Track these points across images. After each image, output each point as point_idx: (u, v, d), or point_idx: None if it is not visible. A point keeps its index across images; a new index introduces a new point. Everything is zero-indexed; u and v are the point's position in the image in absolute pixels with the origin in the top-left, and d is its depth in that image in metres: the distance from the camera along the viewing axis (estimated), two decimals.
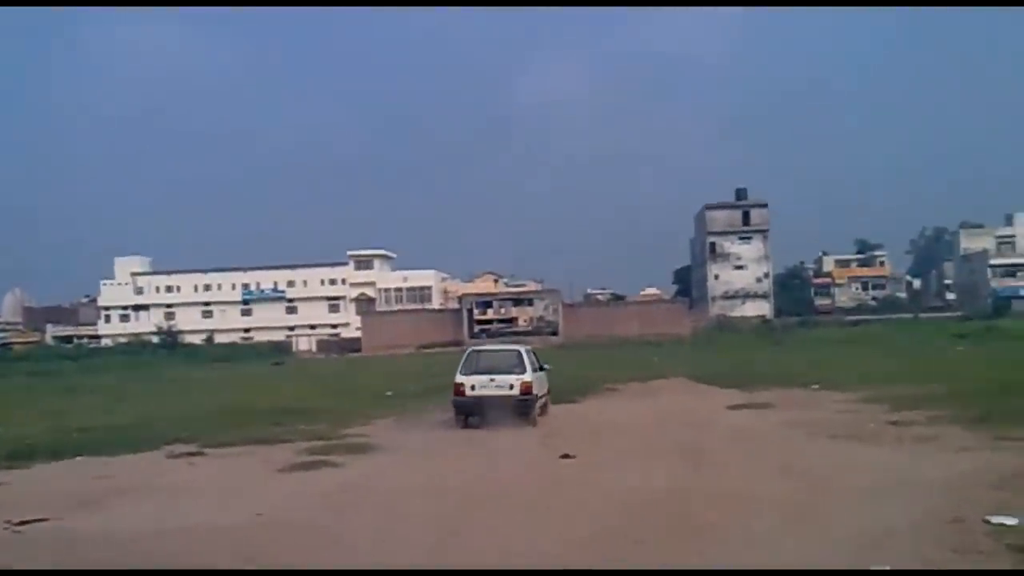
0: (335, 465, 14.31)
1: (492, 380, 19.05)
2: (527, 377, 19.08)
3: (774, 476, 11.80)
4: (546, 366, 21.49)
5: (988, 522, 8.58)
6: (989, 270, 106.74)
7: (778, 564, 7.57)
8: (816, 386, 24.91)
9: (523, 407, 18.92)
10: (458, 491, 11.51)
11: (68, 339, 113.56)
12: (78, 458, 16.36)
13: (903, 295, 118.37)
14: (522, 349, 20.73)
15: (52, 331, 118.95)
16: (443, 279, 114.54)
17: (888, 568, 7.20)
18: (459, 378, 19.35)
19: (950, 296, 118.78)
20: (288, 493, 11.97)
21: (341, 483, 12.53)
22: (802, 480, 11.36)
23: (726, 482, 11.46)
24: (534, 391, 19.15)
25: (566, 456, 14.06)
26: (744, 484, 11.22)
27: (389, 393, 28.52)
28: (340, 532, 9.47)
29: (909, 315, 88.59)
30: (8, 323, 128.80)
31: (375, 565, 7.90)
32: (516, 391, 18.88)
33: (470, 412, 19.11)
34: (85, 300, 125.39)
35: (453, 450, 15.68)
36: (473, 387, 19.04)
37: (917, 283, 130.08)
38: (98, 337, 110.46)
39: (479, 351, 21.58)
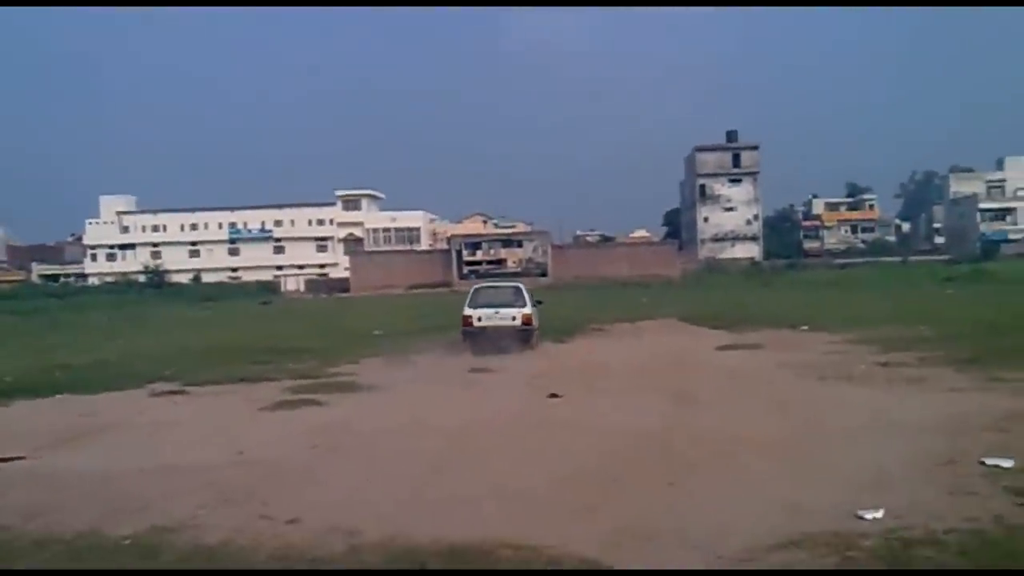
0: (320, 404, 14.13)
1: (497, 312, 21.81)
2: (527, 310, 21.90)
3: (763, 416, 11.64)
4: (539, 301, 23.64)
5: (983, 464, 8.41)
6: (978, 214, 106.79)
7: (765, 504, 7.42)
8: (805, 327, 24.80)
9: (525, 335, 21.63)
10: (442, 430, 11.34)
11: (54, 278, 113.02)
12: (59, 396, 16.17)
13: (892, 239, 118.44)
14: (521, 286, 23.85)
15: (38, 269, 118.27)
16: (432, 220, 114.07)
17: (881, 515, 7.02)
18: (467, 311, 22.05)
19: (939, 240, 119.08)
20: (270, 432, 11.77)
21: (325, 422, 12.34)
22: (792, 420, 11.21)
23: (714, 422, 11.29)
24: (533, 322, 21.89)
25: (553, 396, 13.90)
26: (732, 424, 11.05)
27: (377, 332, 28.33)
28: (320, 471, 9.29)
29: (898, 258, 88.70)
30: None
31: (357, 508, 7.71)
32: (518, 322, 21.68)
33: (478, 340, 21.36)
34: (71, 239, 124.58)
35: (440, 390, 15.50)
36: (480, 319, 21.74)
37: (906, 227, 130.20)
38: (84, 276, 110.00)
39: (483, 288, 24.29)
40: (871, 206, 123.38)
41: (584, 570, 6.16)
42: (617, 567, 6.21)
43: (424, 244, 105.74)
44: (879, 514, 6.99)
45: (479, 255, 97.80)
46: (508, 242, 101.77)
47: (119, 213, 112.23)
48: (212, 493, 8.36)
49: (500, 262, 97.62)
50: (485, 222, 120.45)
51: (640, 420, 11.54)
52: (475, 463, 9.38)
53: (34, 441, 11.48)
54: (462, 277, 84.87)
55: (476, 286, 25.02)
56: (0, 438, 11.79)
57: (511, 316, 21.73)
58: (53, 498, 8.42)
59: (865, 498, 7.38)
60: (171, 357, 22.16)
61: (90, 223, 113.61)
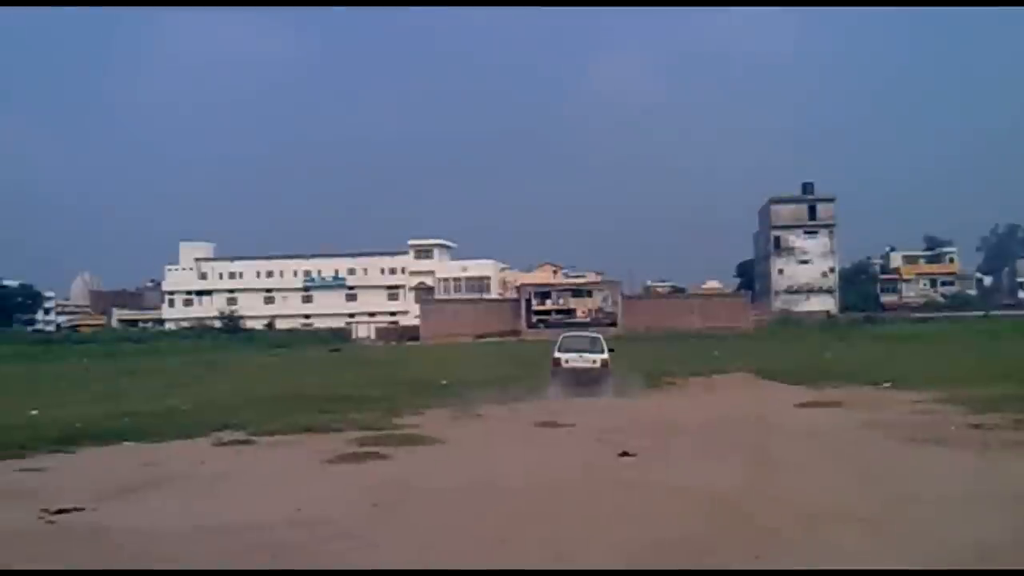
0: (383, 457, 13.74)
1: (580, 356, 26.05)
2: (604, 355, 26.03)
3: (849, 482, 10.94)
4: (612, 348, 27.06)
5: None
6: None
7: None
8: (887, 384, 23.84)
9: (602, 375, 25.48)
10: (508, 490, 10.86)
11: (133, 323, 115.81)
12: (124, 443, 16.07)
13: (973, 292, 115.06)
14: (599, 336, 28.62)
15: (118, 315, 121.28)
16: (502, 269, 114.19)
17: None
18: (556, 354, 26.27)
19: (1023, 294, 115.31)
20: (331, 487, 11.39)
21: (387, 478, 11.93)
22: (882, 487, 10.47)
23: (797, 487, 10.63)
24: (609, 366, 25.87)
25: (625, 454, 13.34)
26: (817, 490, 10.39)
27: (444, 382, 27.99)
28: (378, 533, 8.85)
29: (980, 313, 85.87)
30: (77, 306, 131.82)
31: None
32: (597, 364, 25.72)
33: (565, 378, 25.15)
34: (150, 284, 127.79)
35: (506, 445, 15.06)
36: (567, 361, 25.94)
37: (988, 280, 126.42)
38: (162, 321, 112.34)
39: (569, 336, 29.51)
40: (951, 259, 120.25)
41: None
42: None
43: (494, 293, 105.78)
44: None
45: (548, 304, 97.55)
46: (578, 292, 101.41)
47: (197, 260, 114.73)
48: (264, 556, 7.98)
49: (570, 311, 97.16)
50: (555, 271, 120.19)
51: (718, 483, 10.92)
52: (542, 530, 8.85)
53: (94, 491, 11.28)
54: (531, 326, 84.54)
55: (564, 335, 30.15)
56: (62, 486, 11.64)
57: (592, 360, 25.80)
58: (104, 558, 8.12)
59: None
60: (239, 405, 22.06)
61: (169, 269, 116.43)
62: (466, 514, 9.65)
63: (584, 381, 24.68)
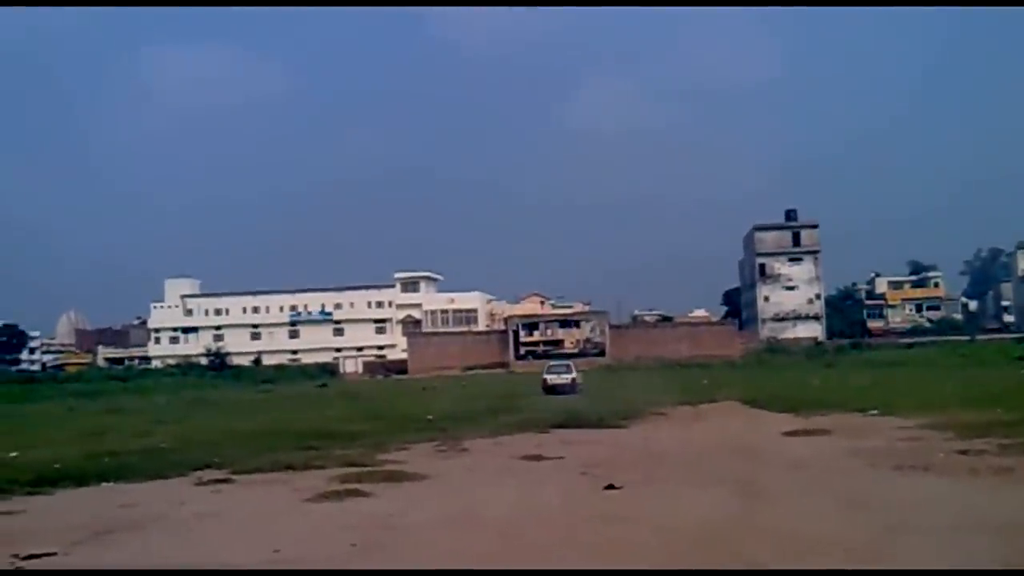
0: (366, 495, 13.52)
1: (559, 376, 42.53)
2: (573, 375, 43.03)
3: (837, 512, 10.79)
4: (582, 370, 46.92)
5: None
6: None
7: None
8: (874, 411, 23.71)
9: (573, 386, 40.71)
10: (490, 525, 10.69)
11: (119, 360, 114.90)
12: (103, 484, 15.84)
13: (959, 316, 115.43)
14: (570, 363, 47.75)
15: (103, 352, 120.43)
16: (489, 301, 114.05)
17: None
18: (544, 376, 42.86)
19: (1008, 318, 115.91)
20: (311, 526, 11.18)
21: (368, 516, 11.71)
22: (870, 517, 10.32)
23: (784, 519, 10.47)
24: (577, 380, 42.24)
25: (610, 487, 13.17)
26: (804, 521, 10.25)
27: (430, 417, 27.76)
28: None
29: (966, 337, 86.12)
30: (62, 345, 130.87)
31: None
32: (568, 380, 41.78)
33: (550, 390, 39.69)
34: (136, 322, 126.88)
35: (491, 479, 14.86)
36: (550, 379, 41.80)
37: (973, 304, 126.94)
38: (148, 359, 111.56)
39: (551, 364, 47.10)
40: (936, 284, 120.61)
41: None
42: None
43: (482, 324, 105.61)
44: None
45: (536, 336, 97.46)
46: (566, 323, 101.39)
47: (183, 296, 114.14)
48: None
49: (558, 343, 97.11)
50: (543, 302, 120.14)
51: (704, 515, 10.79)
52: (523, 566, 8.68)
53: (70, 534, 11.07)
54: (519, 358, 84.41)
55: (548, 364, 47.93)
56: (37, 530, 11.44)
57: (566, 378, 42.27)
58: None
59: None
60: (222, 442, 21.79)
61: (155, 306, 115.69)
62: (447, 552, 9.47)
63: (561, 390, 39.59)
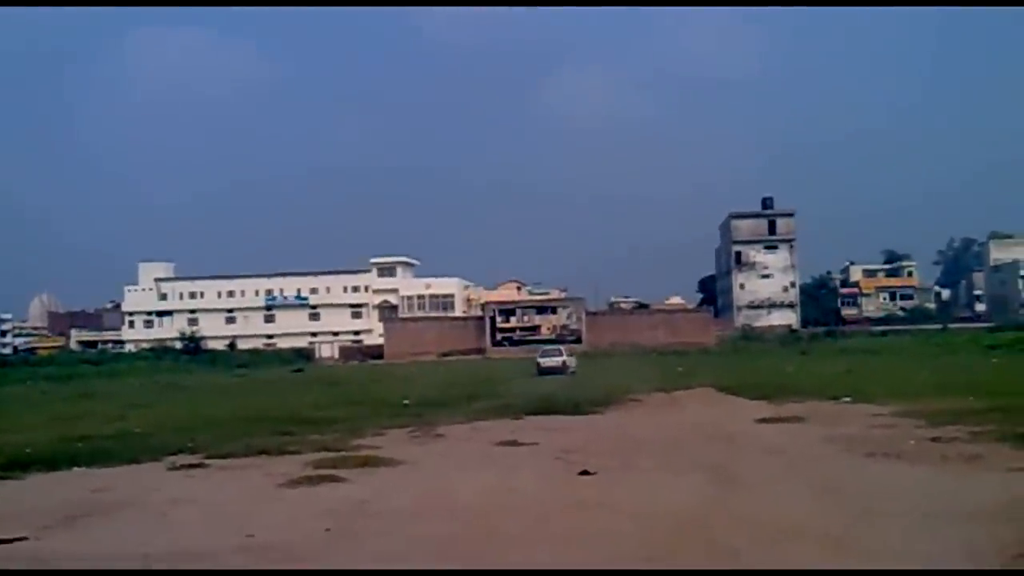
0: (339, 480, 13.48)
1: (551, 358, 47.18)
2: (563, 357, 47.61)
3: (809, 499, 10.87)
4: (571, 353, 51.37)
5: None
6: (1020, 280, 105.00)
7: None
8: (847, 399, 23.90)
9: (563, 369, 45.46)
10: (464, 512, 10.70)
11: (92, 344, 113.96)
12: (75, 469, 15.71)
13: (932, 305, 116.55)
14: (561, 348, 53.36)
15: (76, 336, 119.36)
16: (466, 287, 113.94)
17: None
18: (538, 359, 47.33)
19: (980, 307, 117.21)
20: (284, 512, 11.13)
21: (343, 501, 11.68)
22: (842, 504, 10.39)
23: (757, 505, 10.54)
24: (568, 363, 46.94)
25: (585, 472, 13.20)
26: (777, 507, 10.31)
27: (406, 402, 27.74)
28: (329, 560, 8.64)
29: (938, 326, 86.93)
30: (34, 328, 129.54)
31: None
32: (559, 362, 46.42)
33: (543, 372, 44.51)
34: (110, 305, 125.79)
35: (466, 465, 14.84)
36: (543, 361, 46.56)
37: (946, 294, 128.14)
38: (122, 342, 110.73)
39: (544, 349, 52.37)
40: (910, 273, 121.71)
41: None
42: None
43: (458, 310, 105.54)
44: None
45: (513, 322, 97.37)
46: (542, 309, 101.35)
47: (157, 280, 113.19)
48: None
49: (534, 329, 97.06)
50: (519, 288, 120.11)
51: (678, 501, 10.84)
52: (496, 553, 8.69)
53: (41, 519, 11.00)
54: (496, 344, 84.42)
55: (542, 349, 53.36)
56: (8, 515, 11.33)
57: (557, 360, 46.98)
58: None
59: None
60: (196, 427, 21.67)
61: (129, 290, 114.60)
62: (418, 537, 9.44)
63: (553, 371, 44.85)
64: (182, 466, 15.67)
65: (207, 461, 16.15)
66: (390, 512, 10.85)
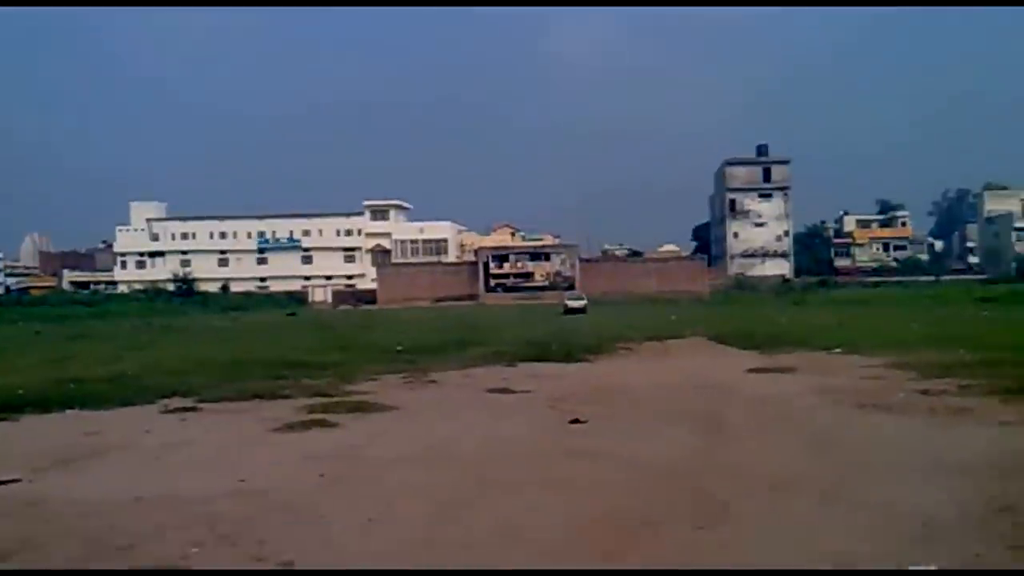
0: (332, 425, 13.54)
1: (576, 300, 58.88)
2: (584, 301, 58.96)
3: (799, 450, 10.95)
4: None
5: None
6: (1014, 233, 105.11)
7: (805, 555, 6.78)
8: (839, 350, 24.02)
9: (584, 309, 55.20)
10: (457, 459, 10.76)
11: (84, 285, 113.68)
12: (68, 411, 15.75)
13: (925, 257, 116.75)
14: (583, 293, 65.60)
15: (68, 276, 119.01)
16: (460, 231, 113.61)
17: (934, 568, 6.38)
18: (565, 300, 59.58)
19: (973, 259, 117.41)
20: (277, 457, 11.18)
21: (335, 447, 11.75)
22: (830, 456, 10.48)
23: (746, 455, 10.62)
24: (587, 304, 57.62)
25: (576, 421, 13.28)
26: (766, 458, 10.39)
27: (399, 347, 27.80)
28: (323, 505, 8.68)
29: (931, 277, 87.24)
30: (26, 268, 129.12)
31: (357, 552, 7.15)
32: (581, 305, 56.95)
33: (569, 312, 53.85)
34: (102, 246, 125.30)
35: (458, 412, 14.91)
36: (568, 303, 57.48)
37: (939, 245, 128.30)
38: (114, 283, 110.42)
39: (569, 294, 65.55)
40: (903, 224, 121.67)
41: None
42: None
43: (452, 255, 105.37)
44: (931, 568, 6.34)
45: (506, 267, 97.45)
46: (536, 255, 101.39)
47: (149, 220, 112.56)
48: (206, 529, 7.80)
49: (528, 275, 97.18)
50: (513, 234, 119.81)
51: (667, 451, 10.90)
52: (489, 500, 8.76)
53: (35, 461, 11.04)
54: (489, 290, 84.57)
55: (567, 294, 66.17)
56: (1, 457, 11.37)
57: (580, 303, 57.22)
58: (37, 531, 7.92)
59: (916, 551, 6.73)
60: (189, 370, 21.70)
61: (121, 230, 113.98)
62: (412, 483, 9.50)
63: (576, 310, 54.03)
64: (175, 409, 15.71)
65: (200, 405, 16.20)
66: (383, 459, 10.89)
